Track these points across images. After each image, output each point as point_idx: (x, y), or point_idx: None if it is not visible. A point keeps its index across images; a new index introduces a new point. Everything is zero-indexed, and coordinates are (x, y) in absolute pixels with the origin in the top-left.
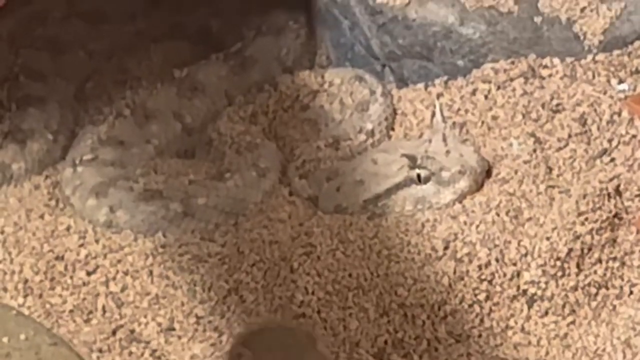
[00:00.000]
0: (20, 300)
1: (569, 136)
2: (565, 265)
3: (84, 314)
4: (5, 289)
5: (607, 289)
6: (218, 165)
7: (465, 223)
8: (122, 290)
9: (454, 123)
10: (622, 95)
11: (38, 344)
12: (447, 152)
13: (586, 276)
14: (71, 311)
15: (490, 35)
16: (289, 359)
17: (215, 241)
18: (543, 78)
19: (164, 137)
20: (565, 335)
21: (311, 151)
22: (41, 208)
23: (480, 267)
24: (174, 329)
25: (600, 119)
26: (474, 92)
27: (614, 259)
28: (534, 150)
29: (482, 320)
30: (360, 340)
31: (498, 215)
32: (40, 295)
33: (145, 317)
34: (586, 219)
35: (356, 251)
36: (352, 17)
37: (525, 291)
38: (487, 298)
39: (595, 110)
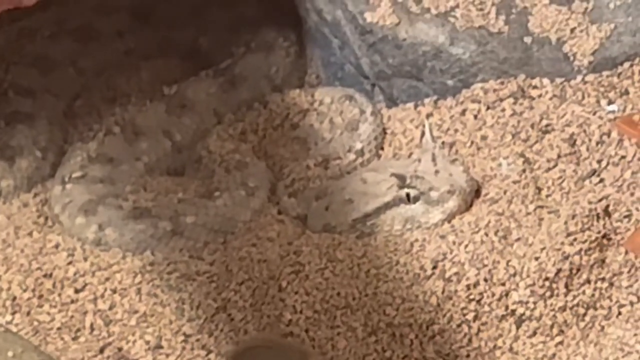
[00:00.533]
0: (8, 317)
1: (558, 156)
2: (554, 286)
3: (72, 332)
4: None
5: (596, 309)
6: (207, 183)
7: (454, 243)
8: (110, 308)
9: (443, 143)
10: (611, 116)
11: None
12: (437, 171)
13: (575, 297)
14: (59, 329)
15: (480, 55)
16: None
17: (203, 259)
18: (533, 98)
19: (154, 154)
20: (554, 355)
21: (300, 170)
22: (30, 225)
23: (468, 286)
24: (161, 347)
25: (590, 140)
26: (463, 112)
27: (603, 279)
28: (523, 171)
29: (470, 340)
30: None
31: (487, 235)
32: (28, 313)
33: (133, 335)
34: (575, 239)
35: (345, 270)
36: (342, 36)
37: (513, 311)
38: (476, 318)
39: (584, 131)
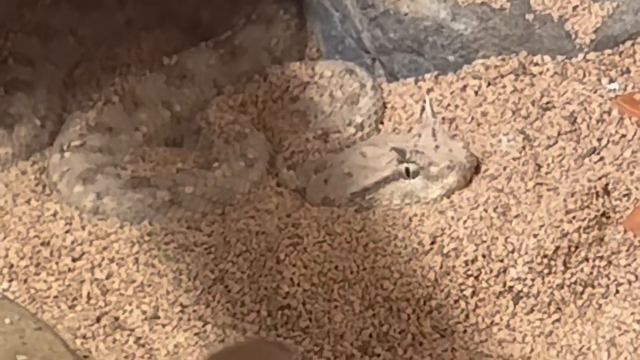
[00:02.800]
0: (5, 284)
1: (559, 134)
2: (552, 263)
3: (69, 300)
4: None
5: (594, 287)
6: (206, 154)
7: (452, 218)
8: (108, 277)
9: (443, 118)
10: (612, 95)
11: (22, 328)
12: (436, 147)
13: (572, 274)
14: (56, 297)
15: (482, 31)
16: None
17: (201, 230)
18: (534, 75)
19: (153, 124)
20: (550, 332)
21: (300, 143)
22: (28, 193)
23: (466, 262)
24: (158, 317)
25: (590, 118)
26: (464, 88)
27: (601, 257)
28: (523, 147)
29: (467, 316)
30: (345, 333)
31: (486, 211)
32: (25, 280)
33: (130, 304)
34: (574, 217)
35: (343, 244)
36: (343, 10)
37: (511, 288)
38: (473, 294)
39: (585, 109)
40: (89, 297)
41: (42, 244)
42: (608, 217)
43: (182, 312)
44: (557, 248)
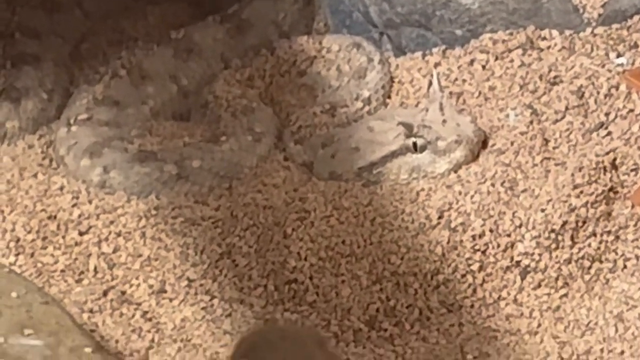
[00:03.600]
0: (12, 258)
1: (566, 109)
2: (560, 238)
3: (76, 274)
4: None
5: (601, 262)
6: (213, 128)
7: (460, 193)
8: (114, 251)
9: (451, 93)
10: (620, 69)
11: (29, 302)
12: (444, 121)
13: (580, 249)
14: (62, 271)
15: (490, 5)
16: None
17: (208, 204)
18: (541, 50)
19: (160, 98)
20: (558, 307)
21: (307, 117)
22: (35, 167)
23: (474, 237)
24: (165, 291)
25: (598, 92)
26: (471, 62)
27: (609, 232)
28: (531, 122)
29: (474, 291)
30: (352, 308)
31: (493, 185)
32: (32, 254)
33: (137, 278)
34: (581, 192)
35: (350, 218)
36: None
37: (518, 262)
38: (480, 268)
39: (593, 84)
40: (95, 271)
41: (49, 217)
42: (616, 192)
43: (189, 286)
44: (565, 223)
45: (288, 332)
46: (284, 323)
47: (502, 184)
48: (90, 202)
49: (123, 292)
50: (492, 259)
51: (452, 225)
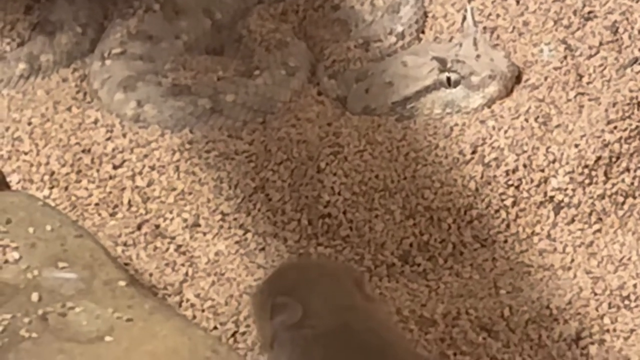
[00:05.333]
0: (46, 191)
1: (600, 44)
2: (593, 173)
3: (110, 208)
4: (31, 180)
5: (635, 198)
6: (247, 62)
7: (493, 128)
8: (148, 185)
9: (484, 28)
10: None
11: (64, 235)
12: (478, 56)
13: (614, 185)
14: (97, 204)
15: None
16: (338, 304)
17: (242, 139)
18: None
19: (193, 32)
20: (591, 243)
21: (341, 51)
22: (69, 101)
23: (507, 172)
24: (199, 225)
25: (632, 28)
26: None
27: None
28: (565, 57)
29: (508, 226)
30: (386, 242)
31: (527, 121)
32: (66, 188)
33: (170, 212)
34: (615, 127)
35: (384, 153)
36: None
37: (552, 198)
38: (514, 204)
39: (627, 19)
40: (129, 205)
41: (83, 151)
42: None
43: (222, 220)
44: (599, 158)
45: (326, 268)
46: (317, 257)
47: (535, 119)
48: (124, 135)
49: (157, 226)
50: (525, 194)
51: (486, 160)
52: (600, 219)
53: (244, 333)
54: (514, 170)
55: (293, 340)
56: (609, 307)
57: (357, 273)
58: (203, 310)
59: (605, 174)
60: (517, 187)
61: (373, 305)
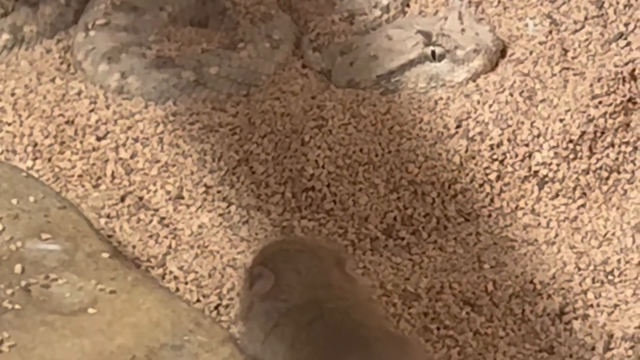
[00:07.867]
0: (30, 163)
1: (585, 19)
2: (578, 148)
3: (93, 179)
4: (14, 152)
5: (619, 173)
6: (231, 35)
7: (478, 102)
8: (132, 157)
9: (470, 1)
10: None
11: (47, 206)
12: (463, 30)
13: (598, 160)
14: (80, 176)
15: None
16: (314, 281)
17: (226, 111)
18: None
19: (178, 4)
20: (575, 218)
21: (325, 24)
22: (52, 72)
23: (492, 146)
24: (182, 198)
25: (617, 3)
26: None
27: (627, 143)
28: (550, 32)
29: (492, 200)
30: (370, 216)
31: (512, 95)
32: (50, 159)
33: (154, 184)
34: (600, 102)
35: (368, 126)
36: None
37: (536, 172)
38: (498, 178)
39: None
40: (113, 177)
41: (67, 122)
42: (634, 103)
43: (206, 193)
44: (583, 133)
45: (307, 246)
46: (301, 231)
47: (520, 94)
48: (107, 107)
49: (140, 198)
50: (509, 169)
51: (470, 134)
52: (585, 194)
53: (227, 306)
54: (499, 145)
55: (267, 312)
56: (593, 282)
57: (340, 253)
58: (186, 283)
59: (590, 149)
60: (501, 162)
61: (351, 285)
